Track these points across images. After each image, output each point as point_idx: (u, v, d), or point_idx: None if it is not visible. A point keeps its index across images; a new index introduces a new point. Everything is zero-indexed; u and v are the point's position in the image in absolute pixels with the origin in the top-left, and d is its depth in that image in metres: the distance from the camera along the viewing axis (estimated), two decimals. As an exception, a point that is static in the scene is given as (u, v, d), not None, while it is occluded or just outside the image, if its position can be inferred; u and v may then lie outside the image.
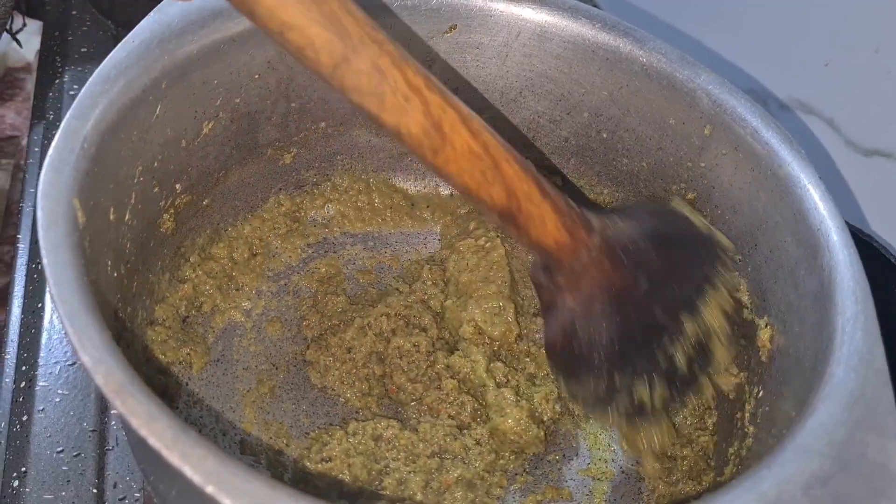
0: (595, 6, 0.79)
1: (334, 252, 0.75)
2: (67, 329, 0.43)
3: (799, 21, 0.81)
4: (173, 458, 0.39)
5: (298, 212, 0.76)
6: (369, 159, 0.78)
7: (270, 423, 0.62)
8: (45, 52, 0.94)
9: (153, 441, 0.40)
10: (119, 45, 0.57)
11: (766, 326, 0.61)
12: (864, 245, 0.70)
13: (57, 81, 0.88)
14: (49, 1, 1.01)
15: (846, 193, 0.80)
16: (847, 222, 0.60)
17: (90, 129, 0.52)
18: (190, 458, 0.39)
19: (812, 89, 0.82)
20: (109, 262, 0.55)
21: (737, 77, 0.87)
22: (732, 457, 0.61)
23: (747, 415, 0.61)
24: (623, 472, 0.63)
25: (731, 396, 0.64)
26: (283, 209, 0.75)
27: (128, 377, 0.42)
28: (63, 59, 0.92)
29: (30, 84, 0.92)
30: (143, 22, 0.58)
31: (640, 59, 0.68)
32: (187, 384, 0.63)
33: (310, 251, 0.75)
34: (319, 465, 0.59)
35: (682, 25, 0.95)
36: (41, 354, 0.67)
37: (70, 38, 0.96)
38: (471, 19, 0.70)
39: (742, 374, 0.64)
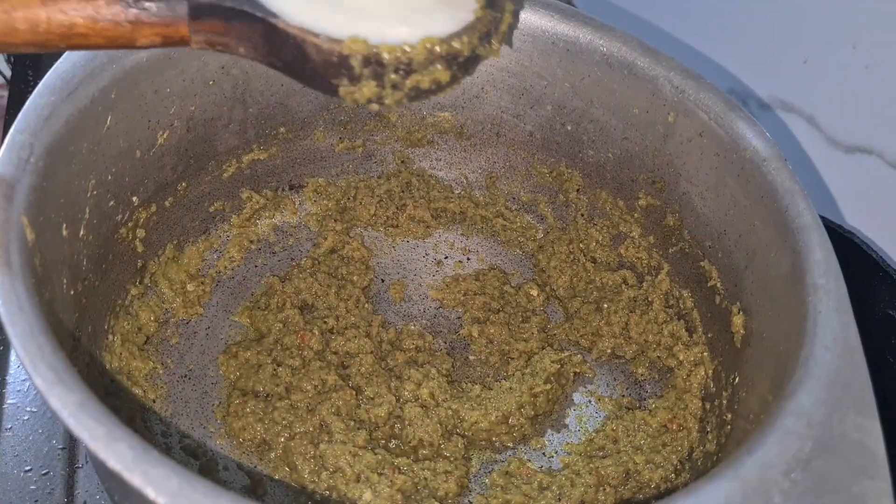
0: (572, 6, 0.78)
1: (297, 260, 0.73)
2: (18, 351, 0.42)
3: (777, 19, 0.81)
4: (134, 479, 0.38)
5: (263, 219, 0.74)
6: (332, 162, 0.76)
7: (241, 438, 0.60)
8: (17, 67, 0.92)
9: (113, 463, 0.39)
10: (64, 55, 0.55)
11: (738, 312, 0.61)
12: (846, 241, 0.70)
13: (30, 96, 0.86)
14: None
15: (827, 190, 0.80)
16: (829, 219, 0.59)
17: (37, 143, 0.50)
18: (152, 479, 0.38)
19: (792, 87, 0.82)
20: (65, 280, 0.53)
21: (717, 76, 0.87)
22: (713, 444, 0.61)
23: (724, 402, 0.61)
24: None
25: (711, 387, 0.64)
26: (248, 217, 0.73)
27: (83, 398, 0.40)
28: (35, 73, 0.90)
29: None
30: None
31: (601, 48, 0.67)
32: (154, 401, 0.61)
33: (275, 259, 0.73)
34: (290, 478, 0.57)
35: (663, 24, 0.95)
36: (10, 372, 0.65)
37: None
38: (428, 16, 0.69)
39: (717, 360, 0.64)
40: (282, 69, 0.45)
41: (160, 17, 0.42)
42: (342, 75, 0.43)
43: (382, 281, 0.74)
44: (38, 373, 0.41)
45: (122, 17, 0.42)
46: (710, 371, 0.65)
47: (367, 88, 0.44)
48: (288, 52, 0.43)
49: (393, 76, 0.44)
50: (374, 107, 0.46)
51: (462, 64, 0.45)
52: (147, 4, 0.42)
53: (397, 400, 0.62)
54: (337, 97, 0.45)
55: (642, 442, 0.63)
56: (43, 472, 0.59)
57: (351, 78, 0.43)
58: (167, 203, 0.66)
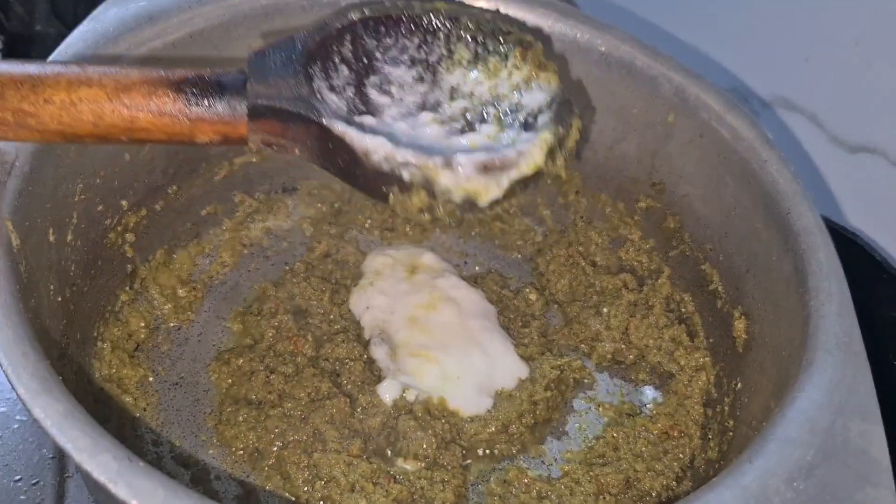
0: (573, 5, 0.78)
1: (290, 265, 0.73)
2: (1, 360, 0.41)
3: (778, 17, 0.80)
4: (119, 491, 0.37)
5: (256, 223, 0.73)
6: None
7: (233, 446, 0.59)
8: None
9: (98, 475, 0.38)
10: (51, 56, 0.54)
11: (740, 316, 0.60)
12: (850, 243, 0.70)
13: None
14: (13, 16, 0.99)
15: (830, 191, 0.80)
16: (832, 220, 0.58)
17: (22, 146, 0.49)
18: (137, 491, 0.37)
19: (794, 85, 0.81)
20: (52, 287, 0.52)
21: (719, 76, 0.86)
22: (714, 452, 0.60)
23: (726, 408, 0.60)
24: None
25: (712, 393, 0.63)
26: (240, 221, 0.72)
27: (68, 408, 0.40)
28: None
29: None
30: (75, 31, 0.56)
31: (599, 47, 0.66)
32: (145, 409, 0.60)
33: (268, 264, 0.72)
34: (283, 488, 0.56)
35: (663, 24, 0.94)
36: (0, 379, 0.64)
37: (34, 53, 0.94)
38: (423, 15, 0.68)
39: (718, 366, 0.63)
40: (336, 173, 0.47)
41: (220, 115, 0.44)
42: (393, 183, 0.44)
43: (378, 285, 0.73)
44: (22, 382, 0.40)
45: (184, 114, 0.43)
46: (712, 376, 0.64)
47: (418, 198, 0.44)
48: (340, 155, 0.45)
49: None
50: (426, 218, 0.46)
51: (523, 182, 0.46)
52: (208, 102, 0.44)
53: (392, 409, 0.61)
54: (386, 202, 0.46)
55: (643, 449, 0.62)
56: (33, 481, 0.58)
57: (402, 187, 0.44)
58: (157, 207, 0.65)
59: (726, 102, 0.63)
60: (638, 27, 0.81)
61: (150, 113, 0.43)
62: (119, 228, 0.61)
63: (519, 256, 0.76)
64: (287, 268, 0.72)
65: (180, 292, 0.67)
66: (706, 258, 0.65)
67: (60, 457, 0.60)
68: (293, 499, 0.56)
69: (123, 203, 0.61)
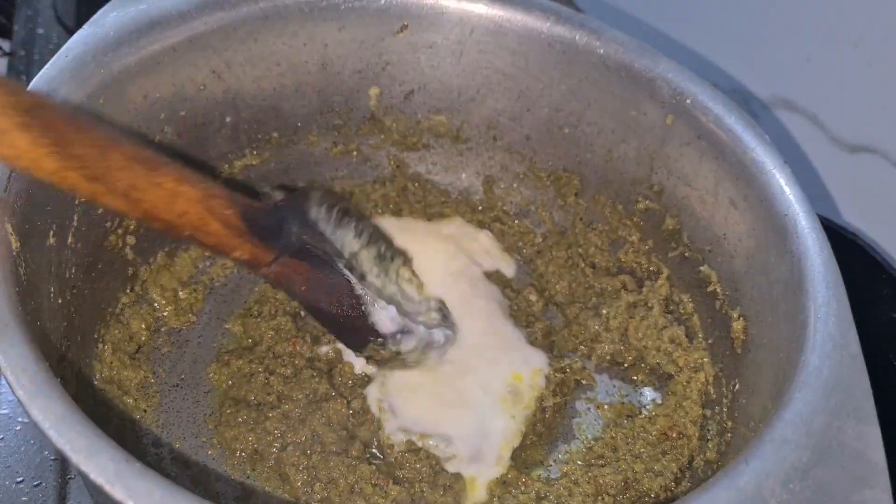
0: (577, 9, 0.78)
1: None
2: (0, 363, 0.41)
3: (779, 17, 0.80)
4: (116, 492, 0.37)
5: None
6: (327, 167, 0.75)
7: (233, 448, 0.59)
8: (11, 71, 0.94)
9: (94, 476, 0.38)
10: (51, 60, 0.54)
11: (738, 318, 0.60)
12: (849, 243, 0.69)
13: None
14: (17, 21, 1.00)
15: (831, 191, 0.80)
16: (831, 220, 0.58)
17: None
18: (134, 492, 0.37)
19: (794, 86, 0.81)
20: (53, 289, 0.53)
21: (719, 78, 0.86)
22: (713, 453, 0.60)
23: (725, 409, 0.60)
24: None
25: (711, 393, 0.63)
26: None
27: (66, 410, 0.40)
28: (28, 77, 0.91)
29: None
30: (75, 35, 0.56)
31: (598, 50, 0.66)
32: (145, 410, 0.61)
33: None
34: (282, 489, 0.57)
35: (663, 26, 0.94)
36: (1, 382, 0.64)
37: (36, 56, 0.95)
38: (422, 18, 0.68)
39: (717, 366, 0.63)
40: (320, 315, 0.59)
41: (265, 247, 0.54)
42: (377, 337, 0.58)
43: (378, 287, 0.73)
44: (20, 384, 0.40)
45: (242, 236, 0.52)
46: (711, 377, 0.64)
47: (388, 352, 0.59)
48: (346, 303, 0.56)
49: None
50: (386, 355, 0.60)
51: None
52: (263, 234, 0.53)
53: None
54: (358, 350, 0.60)
55: (642, 450, 0.62)
56: (35, 483, 0.59)
57: (382, 345, 0.58)
58: (159, 210, 0.66)
59: (724, 104, 0.63)
60: (637, 30, 0.82)
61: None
62: (120, 231, 0.62)
63: (519, 258, 0.76)
64: (287, 270, 0.72)
65: (181, 294, 0.67)
66: (705, 259, 0.65)
67: (62, 459, 0.60)
68: (293, 500, 0.56)
69: (124, 206, 0.61)
